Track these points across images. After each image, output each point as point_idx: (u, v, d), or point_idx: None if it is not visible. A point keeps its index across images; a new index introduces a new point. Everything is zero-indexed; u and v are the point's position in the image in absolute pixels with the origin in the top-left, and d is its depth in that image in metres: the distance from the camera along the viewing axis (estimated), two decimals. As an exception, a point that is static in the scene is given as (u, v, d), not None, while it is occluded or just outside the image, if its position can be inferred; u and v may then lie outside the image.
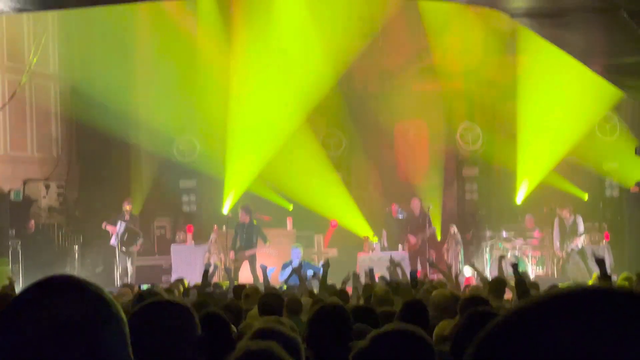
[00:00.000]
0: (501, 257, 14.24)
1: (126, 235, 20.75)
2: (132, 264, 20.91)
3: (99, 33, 23.25)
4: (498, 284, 10.15)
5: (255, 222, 20.84)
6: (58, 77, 23.30)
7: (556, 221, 19.13)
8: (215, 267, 16.82)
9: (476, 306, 5.90)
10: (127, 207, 21.26)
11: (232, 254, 20.43)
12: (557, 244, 19.12)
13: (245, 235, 20.53)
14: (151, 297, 6.08)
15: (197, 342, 3.31)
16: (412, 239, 20.75)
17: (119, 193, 23.08)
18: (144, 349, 3.09)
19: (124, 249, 20.80)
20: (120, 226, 20.78)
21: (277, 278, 18.45)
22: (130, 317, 3.54)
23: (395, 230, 21.68)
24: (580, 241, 18.83)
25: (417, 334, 3.43)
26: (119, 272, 20.77)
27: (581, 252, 18.73)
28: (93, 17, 22.37)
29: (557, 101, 21.70)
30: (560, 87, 21.29)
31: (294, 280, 14.17)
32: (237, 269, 20.26)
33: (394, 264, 13.90)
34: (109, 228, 20.89)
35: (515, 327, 1.14)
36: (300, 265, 15.38)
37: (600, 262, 10.76)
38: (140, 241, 21.21)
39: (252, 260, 20.26)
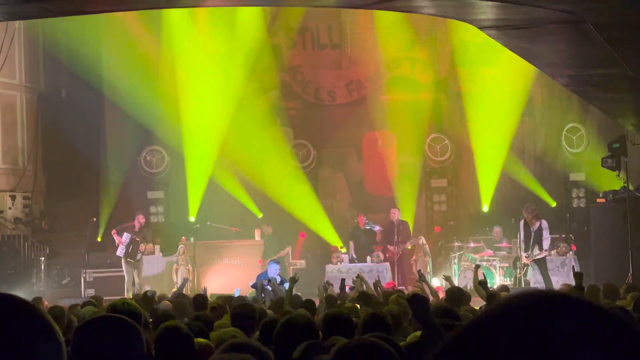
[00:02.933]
0: (477, 267, 14.36)
1: (131, 246, 20.50)
2: (138, 275, 20.61)
3: (64, 44, 23.16)
4: (456, 294, 10.17)
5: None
6: (24, 87, 23.14)
7: (521, 224, 19.07)
8: (186, 280, 16.80)
9: (443, 317, 5.91)
10: (141, 220, 20.90)
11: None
12: (521, 248, 19.05)
13: None
14: (124, 307, 6.04)
15: (142, 359, 3.26)
16: (391, 249, 20.62)
17: (85, 204, 22.96)
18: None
19: (129, 260, 20.54)
20: (127, 238, 20.49)
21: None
22: (75, 333, 3.49)
23: (363, 241, 21.63)
24: (546, 246, 18.76)
25: (381, 346, 3.40)
26: (126, 282, 20.44)
27: (541, 261, 18.71)
28: (59, 27, 22.29)
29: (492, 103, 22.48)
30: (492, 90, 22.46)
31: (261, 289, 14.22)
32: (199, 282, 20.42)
33: (359, 278, 13.97)
34: (117, 238, 20.60)
35: (466, 341, 1.15)
36: (274, 279, 15.30)
37: (578, 276, 10.87)
38: (142, 246, 20.83)
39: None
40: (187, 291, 18.79)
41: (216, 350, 5.47)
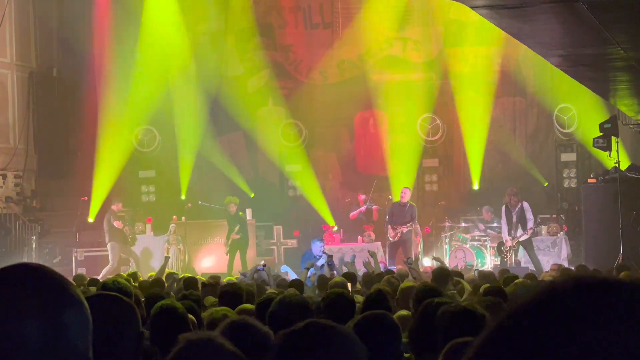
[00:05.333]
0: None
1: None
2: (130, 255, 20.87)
3: (56, 20, 23.08)
4: (442, 274, 10.16)
5: (240, 213, 20.81)
6: (15, 65, 23.05)
7: (503, 209, 19.13)
8: (167, 258, 16.84)
9: (429, 296, 5.94)
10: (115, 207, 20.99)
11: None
12: (505, 232, 19.09)
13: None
14: (115, 285, 6.05)
15: (137, 338, 3.25)
16: (391, 232, 19.96)
17: (77, 183, 22.94)
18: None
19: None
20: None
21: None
22: None
23: (353, 221, 21.63)
24: (530, 226, 18.80)
25: (335, 329, 3.29)
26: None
27: (527, 242, 18.75)
28: (50, 4, 22.21)
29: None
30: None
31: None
32: (191, 261, 20.46)
33: (374, 256, 14.15)
34: (117, 224, 20.66)
35: (516, 330, 1.09)
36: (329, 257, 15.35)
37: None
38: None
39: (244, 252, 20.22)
40: (179, 270, 18.82)
41: (206, 328, 5.48)
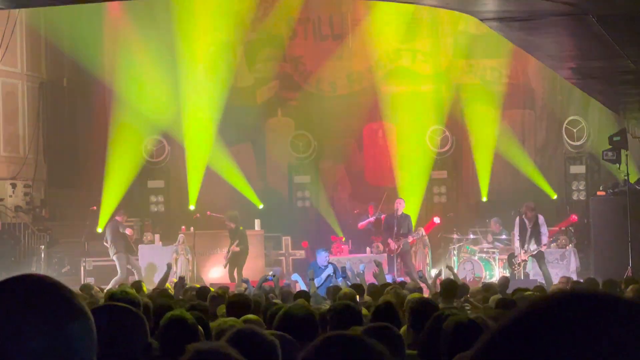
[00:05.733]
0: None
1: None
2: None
3: (67, 31, 23.16)
4: (449, 286, 10.11)
5: (241, 227, 20.74)
6: (25, 76, 23.14)
7: (517, 220, 19.06)
8: (169, 267, 16.86)
9: (424, 309, 5.94)
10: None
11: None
12: (517, 244, 19.02)
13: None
14: (123, 296, 6.06)
15: (145, 348, 3.26)
16: (392, 244, 19.66)
17: (86, 193, 22.98)
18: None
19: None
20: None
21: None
22: None
23: (361, 232, 21.60)
24: (545, 241, 18.76)
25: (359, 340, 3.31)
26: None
27: (539, 255, 18.69)
28: (60, 15, 22.28)
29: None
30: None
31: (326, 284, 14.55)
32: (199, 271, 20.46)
33: (379, 266, 14.19)
34: (129, 232, 20.68)
35: (512, 338, 1.12)
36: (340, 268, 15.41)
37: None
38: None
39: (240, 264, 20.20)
40: (187, 281, 18.82)
41: (215, 339, 5.48)
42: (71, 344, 1.67)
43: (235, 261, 20.27)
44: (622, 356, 1.06)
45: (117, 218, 20.84)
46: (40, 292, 1.71)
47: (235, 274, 19.99)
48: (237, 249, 20.26)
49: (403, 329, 6.26)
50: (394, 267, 19.63)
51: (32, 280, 1.75)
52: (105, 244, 20.40)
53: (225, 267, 20.32)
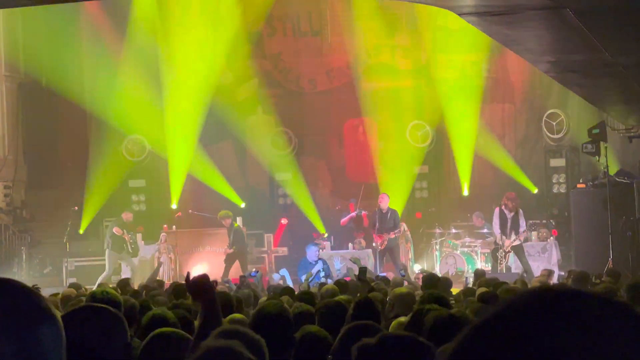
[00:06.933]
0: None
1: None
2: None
3: (44, 30, 23.06)
4: (431, 280, 10.17)
5: (236, 224, 20.70)
6: (4, 77, 23.03)
7: (496, 211, 18.99)
8: (160, 264, 16.81)
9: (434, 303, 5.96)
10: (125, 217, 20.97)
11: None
12: (497, 236, 18.95)
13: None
14: (104, 296, 6.05)
15: (125, 348, 3.27)
16: (378, 239, 19.49)
17: (67, 193, 22.90)
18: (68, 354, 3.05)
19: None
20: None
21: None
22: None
23: (344, 229, 21.61)
24: (522, 231, 18.75)
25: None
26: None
27: (518, 248, 18.71)
28: (38, 14, 22.20)
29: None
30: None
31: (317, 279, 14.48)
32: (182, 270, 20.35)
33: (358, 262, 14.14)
34: (116, 230, 20.63)
35: (492, 332, 1.14)
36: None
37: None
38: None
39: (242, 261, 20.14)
40: (169, 279, 18.81)
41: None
42: (41, 347, 1.66)
43: (232, 259, 20.15)
44: (593, 350, 1.08)
45: (123, 216, 20.87)
46: (9, 296, 1.70)
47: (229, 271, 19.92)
48: (230, 250, 20.19)
49: (394, 323, 6.25)
50: (377, 262, 19.53)
51: (0, 284, 1.74)
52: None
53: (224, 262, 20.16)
